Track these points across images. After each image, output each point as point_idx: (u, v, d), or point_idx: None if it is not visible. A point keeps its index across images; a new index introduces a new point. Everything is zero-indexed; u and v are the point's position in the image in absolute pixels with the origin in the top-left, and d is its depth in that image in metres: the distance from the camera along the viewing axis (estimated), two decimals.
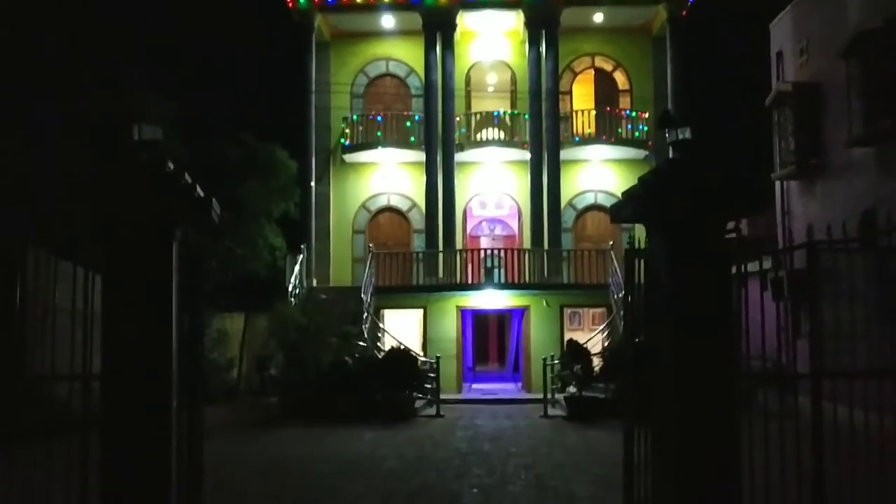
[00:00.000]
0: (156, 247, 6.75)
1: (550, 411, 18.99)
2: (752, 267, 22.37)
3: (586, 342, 20.61)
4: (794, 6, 18.86)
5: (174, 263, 6.88)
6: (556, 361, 20.07)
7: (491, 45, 28.33)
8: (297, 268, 23.96)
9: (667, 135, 7.51)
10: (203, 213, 6.98)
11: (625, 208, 7.49)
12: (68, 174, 7.98)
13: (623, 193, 7.72)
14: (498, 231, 29.98)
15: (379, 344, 22.31)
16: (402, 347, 20.05)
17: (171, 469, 6.87)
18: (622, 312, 21.19)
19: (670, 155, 8.08)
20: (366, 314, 22.44)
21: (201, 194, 6.91)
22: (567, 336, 24.51)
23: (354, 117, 27.49)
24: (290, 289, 23.05)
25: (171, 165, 6.93)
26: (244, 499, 9.35)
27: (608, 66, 28.24)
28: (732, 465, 6.98)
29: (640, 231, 7.96)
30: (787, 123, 18.43)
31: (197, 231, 8.12)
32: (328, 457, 12.71)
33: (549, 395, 19.45)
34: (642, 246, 7.99)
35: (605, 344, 21.46)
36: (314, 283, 25.85)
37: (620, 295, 22.04)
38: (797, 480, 7.14)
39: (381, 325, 23.46)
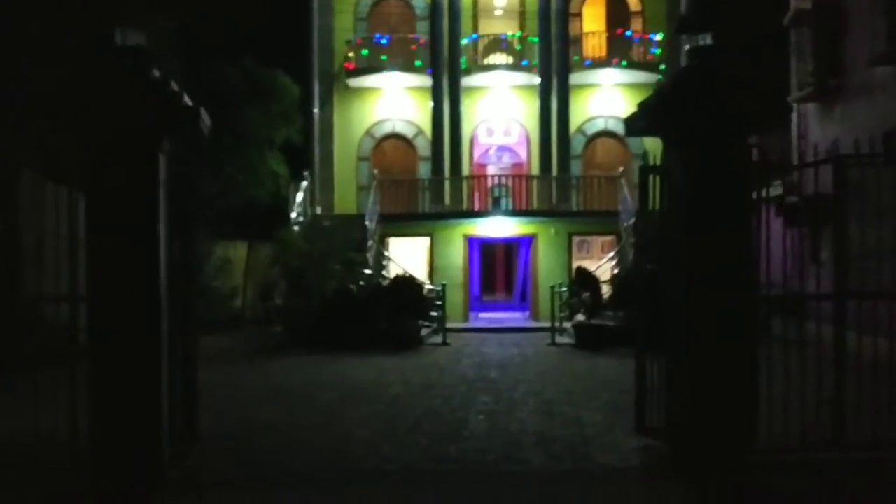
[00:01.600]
0: (140, 159, 6.31)
1: (558, 339, 18.69)
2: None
3: (595, 270, 20.26)
4: None
5: (161, 178, 6.46)
6: (565, 289, 19.73)
7: None
8: (300, 195, 23.51)
9: (685, 42, 7.01)
10: (191, 124, 6.53)
11: (640, 120, 7.01)
12: (46, 82, 7.54)
13: (639, 104, 7.25)
14: (506, 159, 29.41)
15: (384, 272, 21.99)
16: (408, 275, 19.70)
17: (162, 393, 6.56)
18: (632, 239, 20.85)
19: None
20: (370, 242, 22.08)
21: (189, 103, 6.46)
22: (575, 264, 24.23)
23: (358, 40, 26.73)
24: (293, 216, 22.63)
25: (156, 72, 6.47)
26: (246, 425, 9.08)
27: None
28: (749, 391, 6.64)
29: (653, 146, 7.52)
30: (806, 43, 17.75)
31: (187, 147, 7.70)
32: (332, 384, 12.45)
33: (557, 324, 19.15)
34: (657, 163, 7.60)
35: (615, 272, 21.11)
36: (318, 210, 25.45)
37: (630, 222, 21.65)
38: (816, 407, 6.82)
39: (386, 252, 23.10)
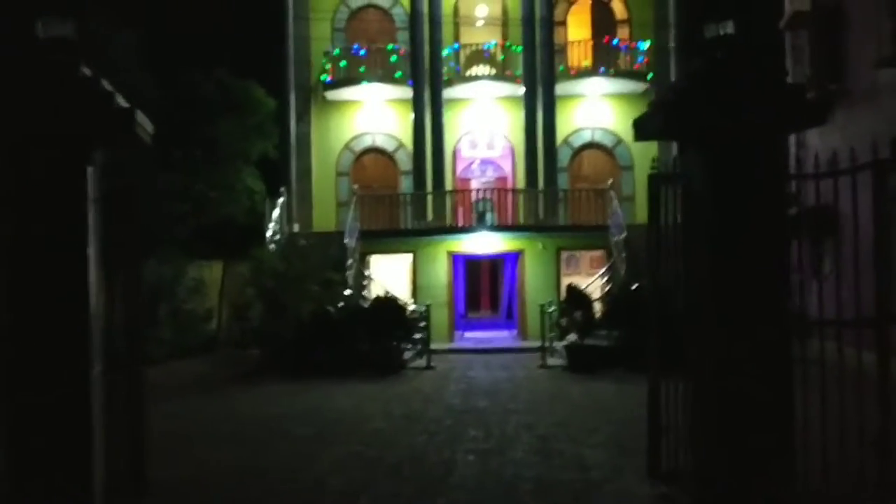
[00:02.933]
0: (65, 171, 5.31)
1: (549, 361, 17.75)
2: None
3: (585, 287, 19.32)
4: None
5: (90, 193, 5.47)
6: (555, 308, 18.78)
7: None
8: (276, 212, 22.49)
9: (705, 30, 6.10)
10: (126, 130, 5.51)
11: (653, 119, 6.04)
12: None
13: (651, 103, 6.33)
14: (489, 173, 28.55)
15: (365, 292, 20.99)
16: (389, 295, 18.71)
17: (93, 440, 5.54)
18: (624, 254, 19.95)
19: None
20: (350, 260, 21.08)
21: (124, 105, 5.47)
22: (564, 281, 23.34)
23: (336, 51, 25.79)
24: (269, 234, 21.61)
25: (85, 70, 5.49)
26: (206, 470, 8.06)
27: None
28: (787, 430, 5.72)
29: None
30: (804, 47, 16.96)
31: (131, 158, 6.72)
32: (307, 416, 11.45)
33: (547, 344, 18.20)
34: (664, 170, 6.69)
35: (606, 289, 20.18)
36: (296, 228, 24.41)
37: (622, 237, 20.76)
38: (858, 439, 5.88)
39: (366, 271, 22.10)
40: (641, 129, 6.23)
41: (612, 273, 20.79)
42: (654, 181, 6.88)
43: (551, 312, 18.76)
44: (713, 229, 5.57)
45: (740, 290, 5.50)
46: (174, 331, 21.13)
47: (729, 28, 5.78)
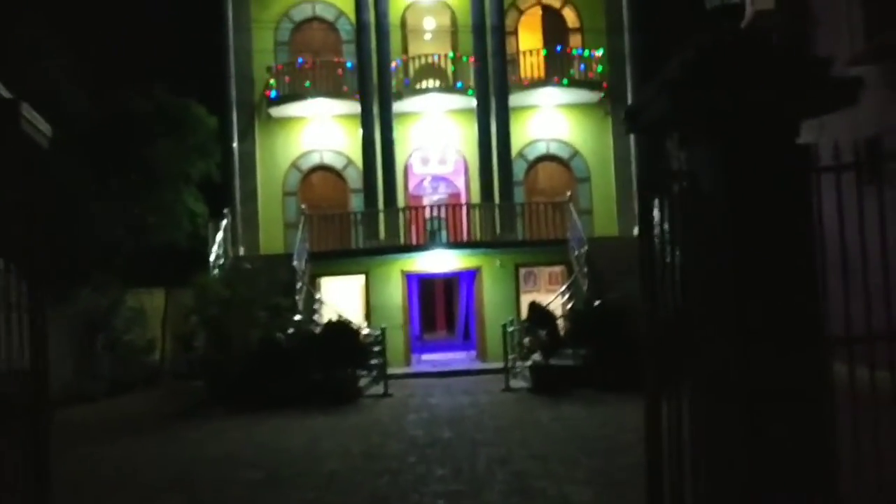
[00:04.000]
0: None
1: (513, 383, 16.82)
2: None
3: (548, 304, 18.44)
4: None
5: None
6: (516, 327, 17.88)
7: None
8: (219, 235, 21.32)
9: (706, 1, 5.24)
10: (8, 124, 4.46)
11: (653, 104, 5.12)
12: None
13: (647, 86, 5.43)
14: (442, 189, 27.68)
15: (316, 317, 19.87)
16: (342, 319, 17.64)
17: None
18: (585, 269, 19.12)
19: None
20: (299, 284, 19.96)
21: (4, 95, 4.42)
22: (523, 298, 22.48)
23: (279, 66, 24.74)
24: (212, 259, 20.43)
25: None
26: None
27: (556, 3, 25.77)
28: (826, 459, 4.84)
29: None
30: None
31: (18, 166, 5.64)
32: (257, 456, 10.37)
33: (509, 365, 17.28)
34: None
35: (569, 306, 19.33)
36: (241, 251, 23.26)
37: (583, 250, 19.97)
38: None
39: (317, 295, 21.00)
40: (637, 117, 5.33)
41: (573, 289, 19.93)
42: (645, 184, 5.98)
43: (513, 332, 17.87)
44: (732, 238, 4.67)
45: (770, 301, 4.60)
46: (112, 364, 19.90)
47: None
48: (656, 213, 5.60)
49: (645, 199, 5.89)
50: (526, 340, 17.01)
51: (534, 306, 17.32)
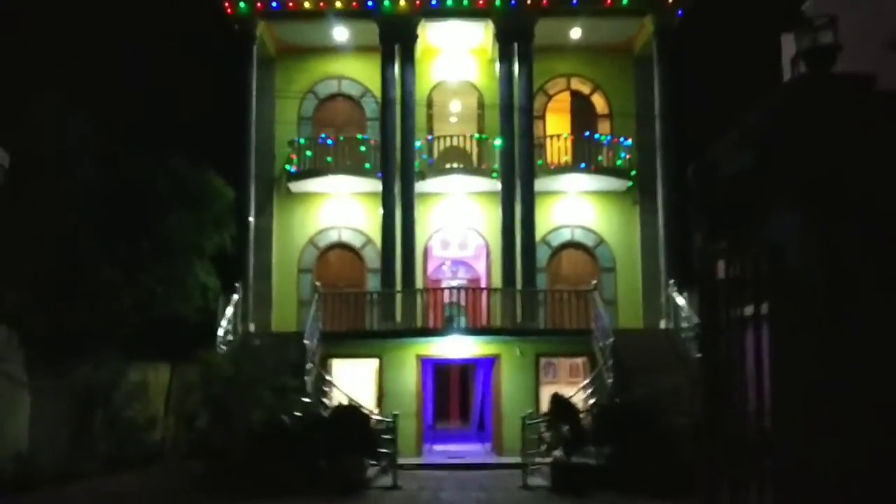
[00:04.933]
0: None
1: (530, 480, 15.76)
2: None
3: (570, 397, 17.45)
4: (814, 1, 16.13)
5: None
6: (537, 420, 16.86)
7: (455, 63, 25.39)
8: (229, 310, 20.55)
9: (795, 41, 4.51)
10: None
11: (730, 158, 4.37)
12: None
13: (725, 134, 4.64)
14: (461, 273, 26.95)
15: (325, 399, 18.93)
16: (351, 404, 16.70)
17: None
18: (610, 361, 18.17)
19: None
20: (309, 364, 19.05)
21: None
22: (543, 390, 21.50)
23: (301, 140, 24.31)
24: (220, 334, 19.60)
25: None
26: None
27: (585, 89, 25.42)
28: None
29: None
30: None
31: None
32: None
33: (528, 461, 16.22)
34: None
35: (592, 399, 18.29)
36: (252, 328, 22.42)
37: (608, 342, 19.04)
38: None
39: (327, 376, 20.08)
40: (707, 175, 4.53)
41: (597, 382, 18.91)
42: (707, 255, 5.17)
43: (533, 424, 16.85)
44: (832, 320, 3.82)
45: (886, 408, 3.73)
46: (110, 441, 18.94)
47: (828, 37, 4.15)
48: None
49: (708, 273, 5.09)
50: (546, 435, 15.95)
51: (556, 398, 16.33)
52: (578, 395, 18.57)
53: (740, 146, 4.11)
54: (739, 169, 4.24)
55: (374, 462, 16.21)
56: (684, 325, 20.35)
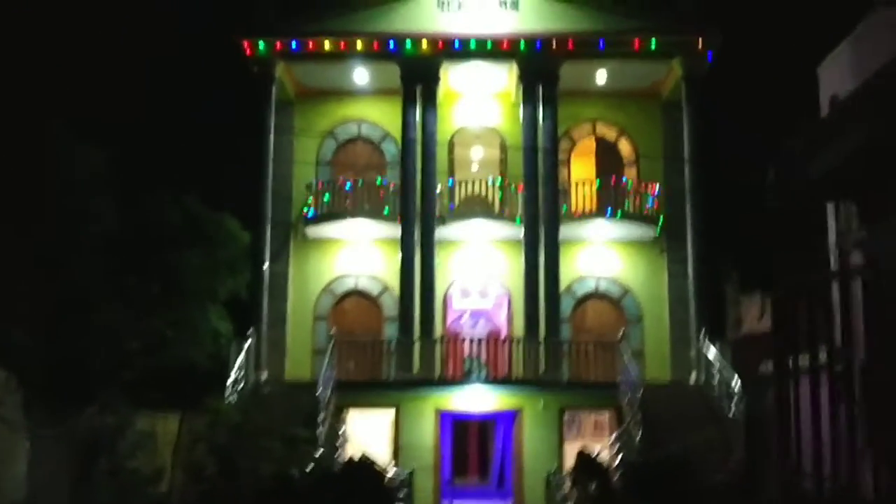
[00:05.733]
0: None
1: None
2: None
3: (597, 454, 16.47)
4: (853, 38, 15.43)
5: None
6: (564, 476, 15.89)
7: (478, 108, 24.81)
8: (241, 357, 19.77)
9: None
10: None
11: (820, 156, 3.58)
12: None
13: (813, 127, 3.83)
14: (481, 325, 26.11)
15: (338, 452, 18.05)
16: (365, 458, 15.75)
17: None
18: (639, 416, 17.23)
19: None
20: (322, 415, 18.19)
21: None
22: (567, 446, 20.53)
23: (319, 184, 23.70)
24: (231, 382, 18.81)
25: None
26: None
27: (611, 135, 24.75)
28: None
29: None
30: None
31: None
32: None
33: None
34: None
35: (620, 456, 17.33)
36: (264, 376, 21.60)
37: (638, 395, 18.10)
38: None
39: (341, 429, 19.19)
40: (791, 177, 3.75)
41: (625, 438, 17.94)
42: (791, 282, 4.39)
43: (558, 482, 15.89)
44: None
45: None
46: (113, 493, 18.06)
47: None
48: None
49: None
50: (573, 493, 14.96)
51: (582, 455, 15.32)
52: (605, 451, 17.62)
53: (839, 129, 3.35)
54: (828, 172, 3.46)
55: None
56: (716, 379, 19.41)
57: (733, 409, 17.89)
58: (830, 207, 13.54)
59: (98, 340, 16.88)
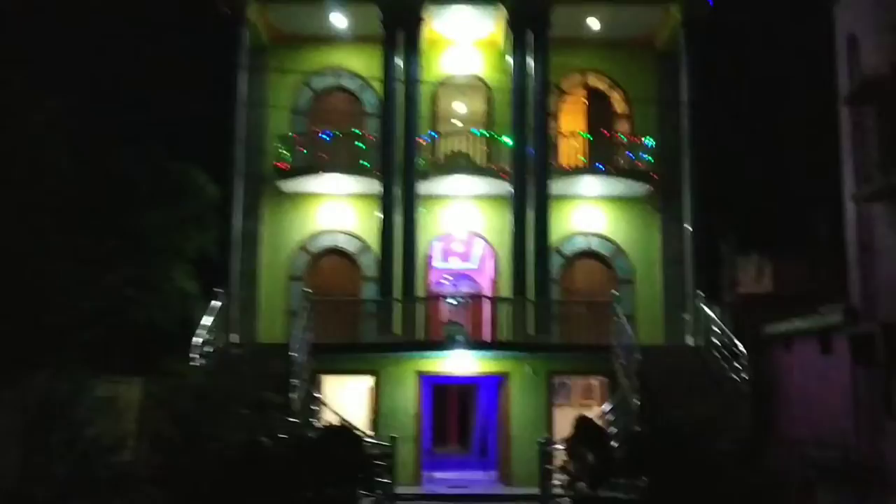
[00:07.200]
0: None
1: None
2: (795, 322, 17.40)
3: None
4: None
5: None
6: (559, 446, 14.71)
7: (463, 56, 23.36)
8: (208, 318, 18.42)
9: None
10: None
11: None
12: None
13: None
14: (464, 288, 24.95)
15: (314, 419, 16.80)
16: (344, 424, 14.53)
17: None
18: (637, 382, 16.09)
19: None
20: (296, 379, 16.90)
21: None
22: (556, 413, 19.47)
23: (294, 135, 22.24)
24: (197, 344, 17.45)
25: None
26: None
27: (602, 85, 23.43)
28: None
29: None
30: (875, 124, 13.66)
31: None
32: None
33: (546, 493, 14.10)
34: None
35: (616, 424, 16.19)
36: (235, 339, 20.28)
37: (635, 359, 16.93)
38: None
39: (317, 394, 17.94)
40: None
41: (622, 405, 16.78)
42: None
43: (551, 452, 14.72)
44: None
45: None
46: (71, 464, 16.71)
47: None
48: None
49: None
50: (570, 464, 13.77)
51: (582, 421, 14.12)
52: (599, 419, 16.48)
53: None
54: None
55: (367, 492, 14.06)
56: (716, 342, 18.29)
57: (737, 374, 16.79)
58: None
59: (49, 299, 15.46)
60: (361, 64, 22.97)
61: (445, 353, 19.45)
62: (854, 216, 14.62)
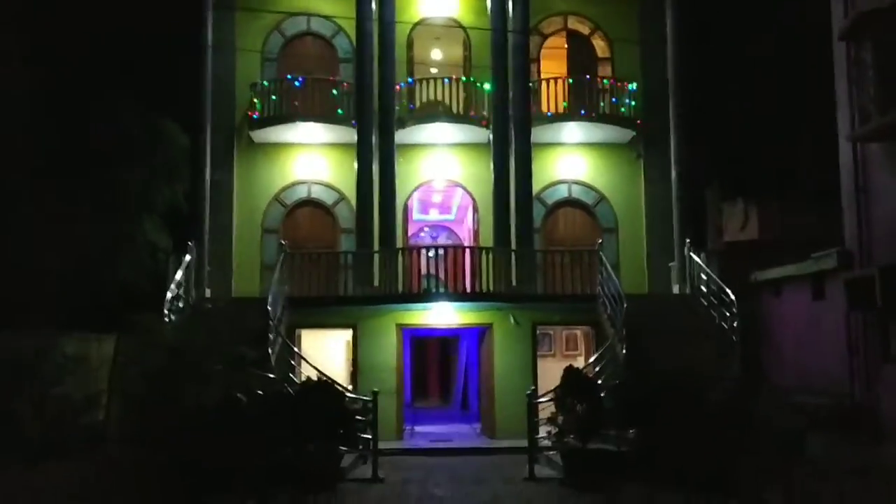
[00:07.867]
0: None
1: (538, 470, 13.23)
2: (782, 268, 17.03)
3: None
4: None
5: None
6: (545, 398, 14.27)
7: None
8: (179, 273, 17.77)
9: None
10: None
11: None
12: None
13: None
14: (442, 240, 24.45)
15: (293, 374, 16.27)
16: (322, 379, 13.99)
17: None
18: (624, 331, 15.65)
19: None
20: (273, 334, 16.35)
21: None
22: (540, 364, 19.07)
23: (265, 83, 21.44)
24: (169, 299, 16.81)
25: None
26: None
27: (584, 29, 22.72)
28: None
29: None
30: (872, 60, 13.12)
31: None
32: None
33: (533, 445, 13.69)
34: None
35: (601, 373, 15.76)
36: (208, 293, 19.65)
37: (622, 309, 16.47)
38: None
39: (295, 348, 17.40)
40: None
41: (609, 355, 16.34)
42: None
43: (538, 403, 14.28)
44: None
45: None
46: (38, 424, 16.12)
47: None
48: None
49: None
50: (558, 416, 13.32)
51: (570, 372, 13.67)
52: (586, 369, 16.05)
53: None
54: None
55: (349, 448, 13.60)
56: (703, 290, 17.88)
57: (726, 322, 16.39)
58: None
59: (12, 254, 14.81)
60: (334, 7, 22.01)
61: (427, 303, 18.91)
62: (849, 158, 14.15)
